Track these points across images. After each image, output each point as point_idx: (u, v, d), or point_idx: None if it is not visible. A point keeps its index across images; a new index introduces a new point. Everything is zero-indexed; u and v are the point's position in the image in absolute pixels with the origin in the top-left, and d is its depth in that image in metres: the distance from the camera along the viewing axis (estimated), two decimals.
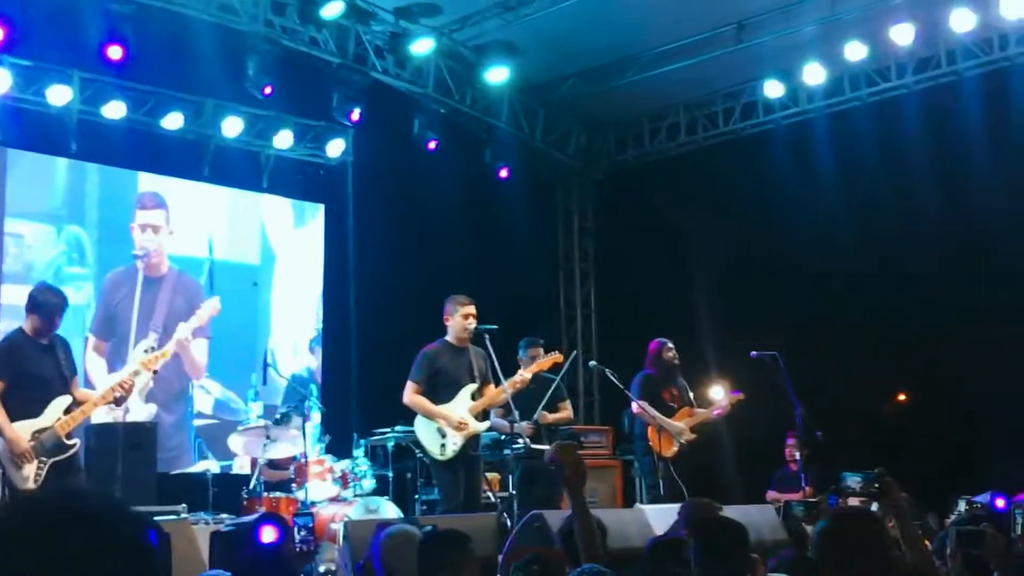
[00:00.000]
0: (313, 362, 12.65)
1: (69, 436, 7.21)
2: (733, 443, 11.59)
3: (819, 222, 12.32)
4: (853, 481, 5.39)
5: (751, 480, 11.46)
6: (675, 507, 7.12)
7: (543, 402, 9.19)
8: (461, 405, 8.31)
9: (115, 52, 10.09)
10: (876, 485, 4.97)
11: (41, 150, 11.06)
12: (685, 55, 12.27)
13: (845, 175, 12.16)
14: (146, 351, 7.69)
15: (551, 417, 9.49)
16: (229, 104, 11.63)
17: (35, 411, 7.11)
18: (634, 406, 9.62)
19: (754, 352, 9.68)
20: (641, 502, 9.41)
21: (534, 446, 9.02)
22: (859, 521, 3.87)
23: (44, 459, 7.04)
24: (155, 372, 7.74)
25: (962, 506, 8.00)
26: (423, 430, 8.29)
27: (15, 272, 10.62)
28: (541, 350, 9.35)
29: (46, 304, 7.29)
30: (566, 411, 9.60)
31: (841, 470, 5.85)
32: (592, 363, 10.59)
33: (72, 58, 10.55)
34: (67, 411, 7.21)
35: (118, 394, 7.38)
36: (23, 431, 7.01)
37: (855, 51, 11.73)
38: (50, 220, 11.05)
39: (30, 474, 6.97)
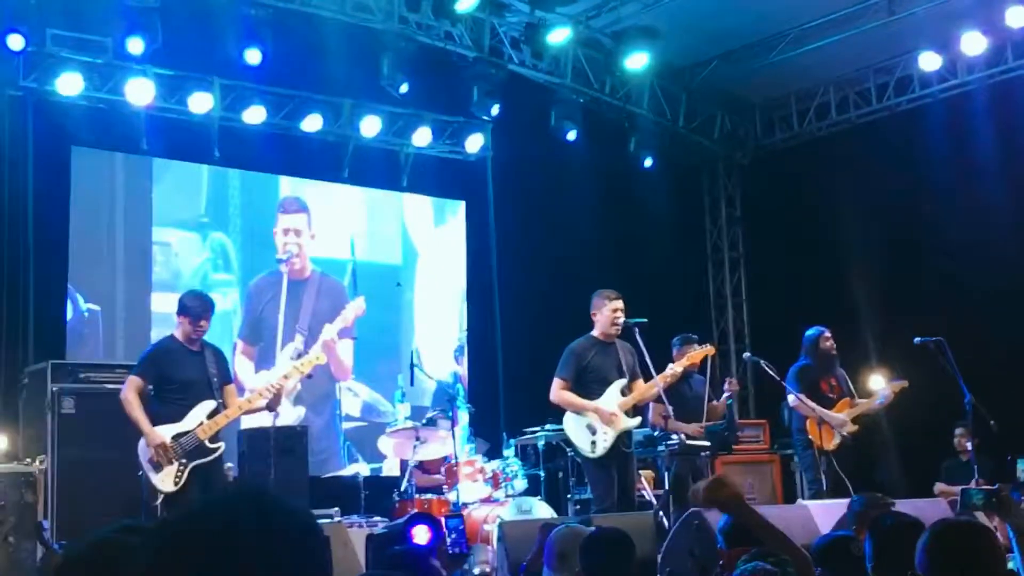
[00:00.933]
0: (460, 363, 12.78)
1: (213, 440, 7.41)
2: (896, 434, 11.33)
3: (981, 202, 11.92)
4: None
5: (916, 473, 11.18)
6: (841, 503, 7.00)
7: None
8: (611, 401, 8.29)
9: (254, 56, 10.37)
10: None
11: (185, 158, 11.41)
12: (834, 30, 12.01)
13: (1009, 151, 11.74)
14: (293, 357, 7.88)
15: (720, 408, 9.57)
16: (367, 103, 11.83)
17: (178, 415, 7.34)
18: (791, 398, 9.47)
19: (918, 338, 9.43)
20: (803, 498, 9.26)
21: (690, 442, 8.97)
22: (967, 536, 3.66)
23: (184, 461, 7.24)
24: (309, 376, 7.93)
25: None
26: (573, 427, 8.30)
27: (164, 280, 11.01)
28: (696, 347, 9.29)
29: (192, 308, 7.53)
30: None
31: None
32: (747, 354, 10.48)
33: (212, 65, 10.87)
34: (211, 416, 7.42)
35: (267, 398, 7.55)
36: (162, 433, 7.24)
37: (1018, 16, 11.32)
38: (195, 228, 11.41)
39: (170, 475, 7.18)
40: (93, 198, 10.85)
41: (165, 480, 7.17)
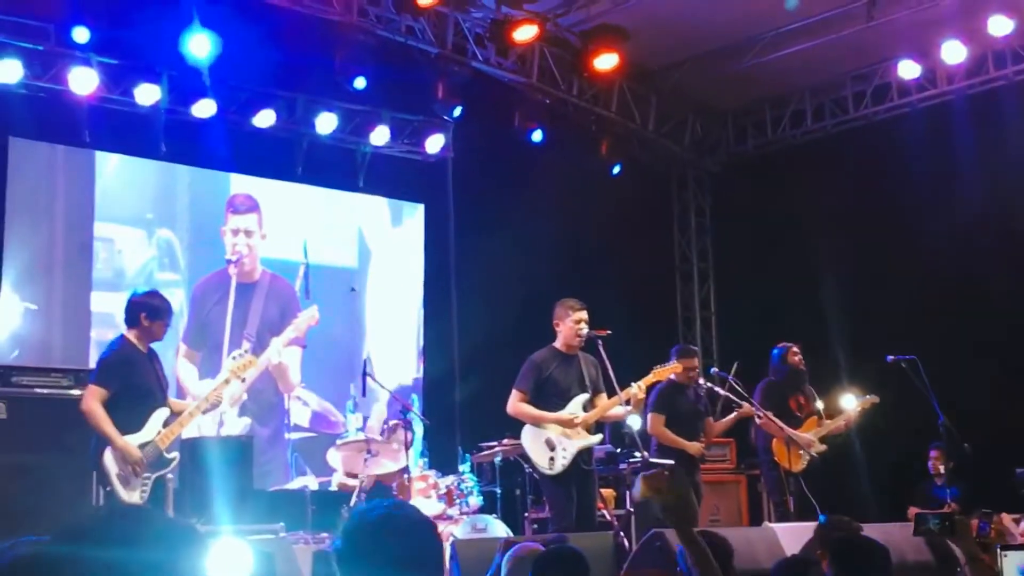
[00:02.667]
0: (416, 372, 12.77)
1: (168, 450, 7.40)
2: (868, 456, 11.41)
3: (960, 216, 12.04)
4: None
5: (890, 496, 11.28)
6: (807, 526, 7.05)
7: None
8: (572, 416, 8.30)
9: (203, 47, 10.30)
10: None
11: (130, 152, 11.34)
12: (811, 35, 12.10)
13: (990, 163, 11.87)
14: (234, 358, 7.84)
15: (718, 427, 9.67)
16: (323, 99, 11.82)
17: (138, 424, 7.29)
18: (757, 416, 9.54)
19: (891, 356, 9.52)
20: (769, 520, 9.33)
21: (653, 460, 9.01)
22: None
23: (148, 474, 7.23)
24: (243, 380, 7.89)
25: None
26: (531, 442, 8.30)
27: (105, 279, 10.93)
28: (695, 360, 9.38)
29: (160, 309, 7.51)
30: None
31: (990, 485, 5.71)
32: (713, 369, 10.53)
33: (160, 56, 10.80)
34: (165, 423, 7.40)
35: (208, 405, 7.57)
36: (132, 444, 7.20)
37: (999, 25, 11.47)
38: (141, 224, 11.33)
39: (137, 489, 7.15)
40: (31, 191, 10.75)
41: (133, 495, 7.14)
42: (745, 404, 9.72)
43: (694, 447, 9.37)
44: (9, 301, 10.39)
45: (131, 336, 7.50)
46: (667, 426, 9.26)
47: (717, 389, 9.67)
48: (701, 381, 9.53)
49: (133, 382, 7.34)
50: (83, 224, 10.98)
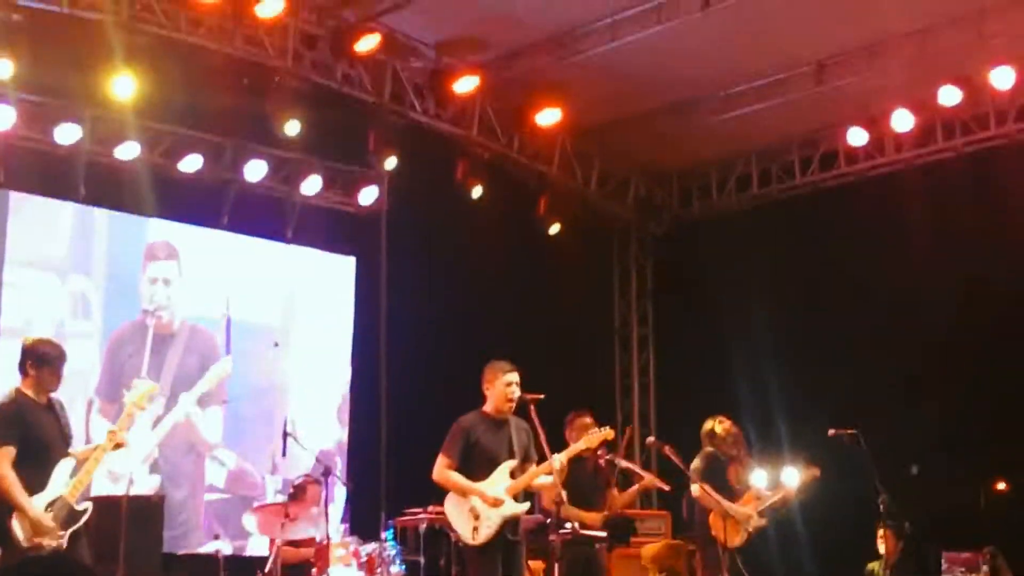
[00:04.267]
0: (341, 433, 12.63)
1: (79, 502, 7.20)
2: (810, 532, 11.40)
3: (910, 285, 12.16)
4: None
5: (834, 573, 11.25)
6: None
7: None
8: (499, 484, 8.20)
9: (127, 88, 10.21)
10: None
11: (47, 193, 11.16)
12: (758, 97, 12.23)
13: (939, 234, 11.99)
14: (128, 389, 7.62)
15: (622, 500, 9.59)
16: (252, 146, 11.73)
17: (42, 480, 7.05)
18: (694, 488, 9.49)
19: (832, 430, 9.52)
20: None
21: (583, 532, 8.90)
22: None
23: (62, 533, 7.02)
24: (143, 408, 7.68)
25: None
26: (454, 511, 8.17)
27: (13, 327, 10.67)
28: (589, 419, 9.27)
29: (53, 357, 7.30)
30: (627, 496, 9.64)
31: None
32: (650, 439, 10.48)
33: (82, 94, 10.68)
34: (72, 474, 7.20)
35: (111, 445, 7.35)
36: (40, 507, 6.98)
37: (949, 96, 11.65)
38: (53, 270, 11.14)
39: (49, 549, 6.94)
40: None
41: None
42: (647, 475, 9.73)
43: (593, 518, 9.29)
44: None
45: (24, 387, 7.31)
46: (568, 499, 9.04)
47: (618, 461, 9.66)
48: (601, 452, 9.43)
49: (31, 435, 7.12)
50: None
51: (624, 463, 9.78)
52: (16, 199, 10.97)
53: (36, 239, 11.09)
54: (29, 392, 7.25)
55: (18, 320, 10.79)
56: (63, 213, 11.28)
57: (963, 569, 9.79)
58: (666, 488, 9.78)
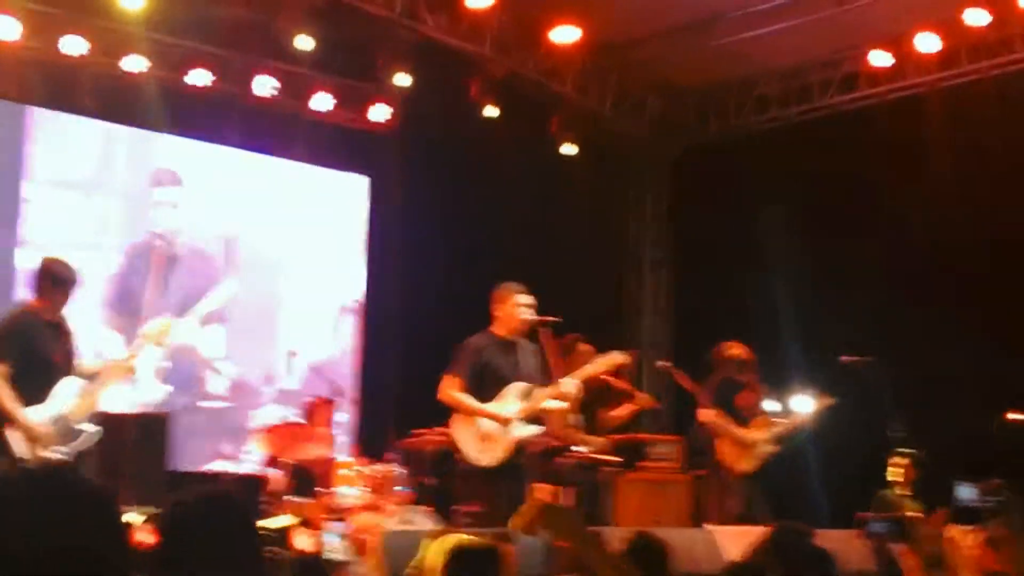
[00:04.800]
0: (334, 348, 12.69)
1: (81, 422, 7.25)
2: (822, 460, 11.43)
3: (929, 212, 12.07)
4: (968, 493, 5.19)
5: (845, 503, 11.30)
6: (749, 530, 7.03)
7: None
8: (508, 406, 8.21)
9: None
10: (997, 498, 4.83)
11: (54, 106, 11.13)
12: (779, 16, 12.07)
13: (961, 159, 11.88)
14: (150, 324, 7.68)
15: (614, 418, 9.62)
16: (261, 60, 11.65)
17: (38, 396, 7.11)
18: (702, 413, 9.51)
19: (846, 357, 9.52)
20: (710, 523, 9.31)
21: (593, 456, 8.95)
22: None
23: (65, 450, 7.07)
24: (160, 344, 7.74)
25: None
26: (462, 432, 8.19)
27: (35, 240, 10.80)
28: (586, 345, 9.28)
29: (68, 280, 7.34)
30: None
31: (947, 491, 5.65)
32: (660, 363, 10.50)
33: (89, 5, 10.61)
34: (81, 395, 7.25)
35: (122, 373, 7.40)
36: (38, 417, 7.04)
37: (976, 17, 11.50)
38: (74, 187, 11.24)
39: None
40: None
41: None
42: (640, 394, 9.76)
43: (597, 442, 9.34)
44: None
45: (34, 304, 7.36)
46: None
47: (679, 375, 9.68)
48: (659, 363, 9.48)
49: (35, 352, 7.17)
50: (9, 181, 10.86)
51: (617, 383, 9.74)
52: (31, 113, 10.96)
53: (56, 156, 11.11)
54: (38, 309, 7.31)
55: (40, 235, 10.87)
56: (77, 128, 11.25)
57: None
58: (657, 406, 9.77)
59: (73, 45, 10.64)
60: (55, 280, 7.33)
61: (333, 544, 6.68)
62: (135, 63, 10.96)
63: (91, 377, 7.37)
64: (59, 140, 11.21)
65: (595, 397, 9.60)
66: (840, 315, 12.03)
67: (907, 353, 10.89)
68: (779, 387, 10.39)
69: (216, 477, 9.85)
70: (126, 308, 11.31)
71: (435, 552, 4.49)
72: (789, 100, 13.61)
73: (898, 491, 10.39)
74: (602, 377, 9.56)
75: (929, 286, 11.94)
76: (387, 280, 12.79)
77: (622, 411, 9.95)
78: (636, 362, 9.82)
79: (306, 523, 7.35)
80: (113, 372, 7.45)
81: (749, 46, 12.55)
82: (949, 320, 11.75)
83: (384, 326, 12.66)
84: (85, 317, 10.22)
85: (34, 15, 10.46)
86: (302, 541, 7.85)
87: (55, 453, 7.01)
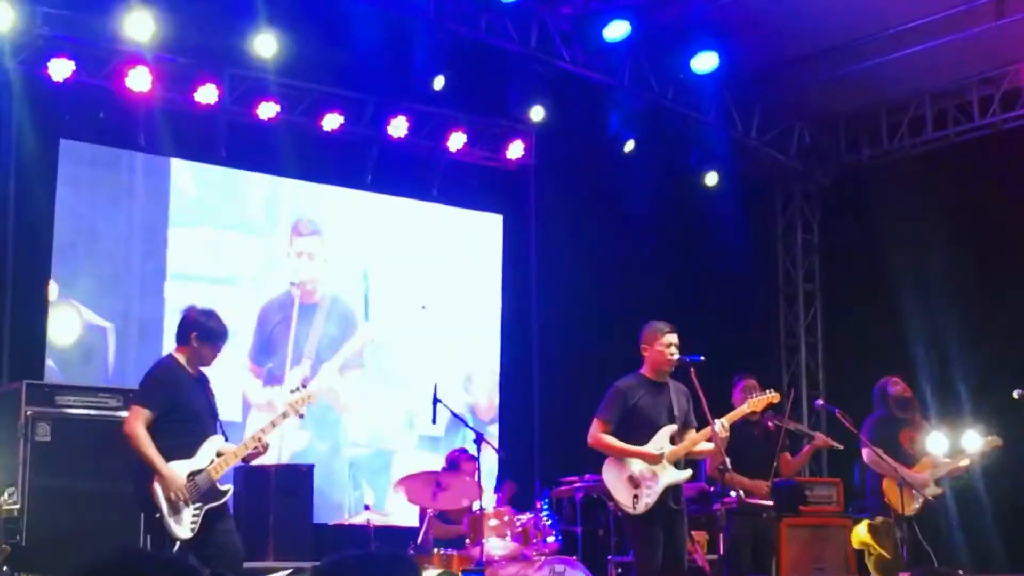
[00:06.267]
0: (490, 398, 12.82)
1: (222, 481, 7.39)
2: (992, 501, 11.21)
3: None
4: None
5: (1019, 545, 11.05)
6: None
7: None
8: (659, 450, 8.23)
9: (268, 44, 10.46)
10: None
11: (189, 156, 11.48)
12: (932, 34, 11.93)
13: None
14: (293, 391, 7.79)
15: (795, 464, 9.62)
16: (394, 102, 11.88)
17: (188, 451, 7.24)
18: (866, 454, 9.40)
19: (1019, 391, 9.35)
20: None
21: (749, 500, 8.89)
22: None
23: (200, 504, 7.21)
24: (301, 416, 7.86)
25: None
26: (613, 477, 8.22)
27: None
28: (754, 382, 9.26)
29: (218, 335, 7.46)
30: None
31: None
32: (818, 402, 10.41)
33: (221, 53, 10.94)
34: (219, 453, 7.40)
35: (254, 448, 7.51)
36: (178, 471, 7.20)
37: None
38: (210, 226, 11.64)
39: (187, 520, 7.14)
40: (104, 198, 11.07)
41: (183, 525, 7.11)
42: (818, 435, 9.73)
43: (759, 487, 9.29)
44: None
45: (179, 356, 7.50)
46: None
47: (786, 424, 9.63)
48: (768, 415, 9.41)
49: (180, 402, 7.32)
50: (157, 229, 11.29)
51: (792, 425, 9.74)
52: (176, 165, 11.42)
53: (194, 202, 11.54)
54: (183, 361, 7.47)
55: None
56: (214, 177, 11.68)
57: None
58: (839, 447, 9.73)
59: (206, 94, 10.95)
60: (207, 335, 7.42)
61: None
62: (268, 109, 11.24)
63: (223, 452, 7.48)
64: (199, 190, 11.55)
65: (772, 442, 9.57)
66: (1008, 347, 11.80)
67: None
68: (944, 425, 10.22)
69: (363, 530, 9.95)
70: (266, 358, 11.61)
71: None
72: (946, 120, 13.40)
73: None
74: (780, 423, 9.55)
75: None
76: (524, 322, 12.89)
77: (803, 455, 9.92)
78: (794, 401, 9.76)
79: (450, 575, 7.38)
80: (250, 443, 7.54)
81: (901, 67, 12.44)
82: None
83: (524, 369, 12.74)
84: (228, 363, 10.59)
85: (167, 65, 10.79)
86: None
87: (193, 509, 7.16)
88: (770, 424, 9.54)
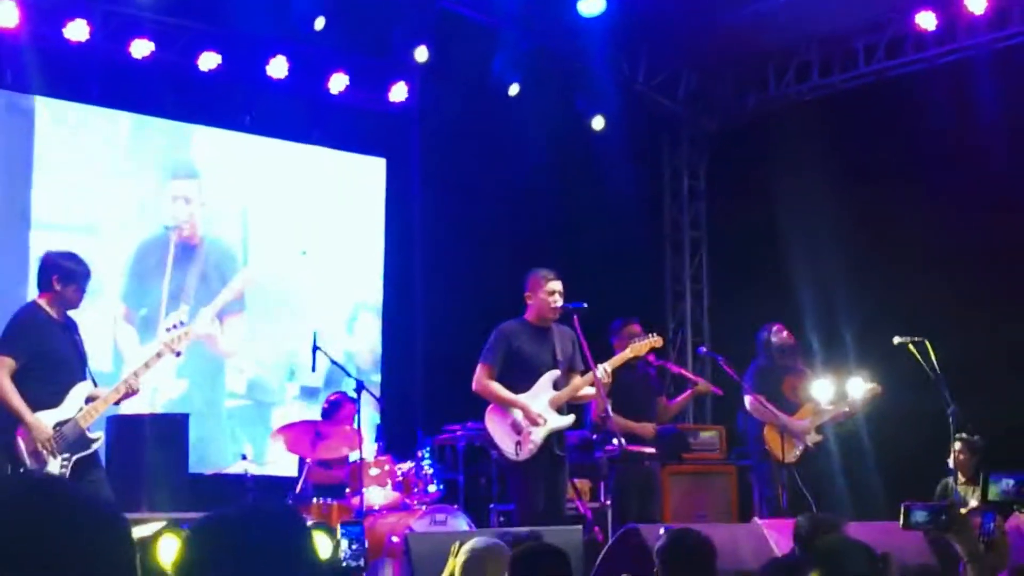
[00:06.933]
0: (371, 343, 12.77)
1: (91, 429, 7.31)
2: (875, 447, 11.43)
3: (982, 183, 12.03)
4: (1007, 485, 5.13)
5: (900, 492, 11.28)
6: None
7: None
8: (541, 395, 8.28)
9: None
10: None
11: (61, 95, 11.23)
12: None
13: (1015, 126, 11.85)
14: (169, 329, 7.72)
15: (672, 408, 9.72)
16: (274, 42, 11.72)
17: (54, 400, 7.18)
18: (748, 401, 9.55)
19: (898, 338, 9.53)
20: (759, 516, 9.36)
21: (631, 448, 8.99)
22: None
23: (68, 455, 7.13)
24: (178, 354, 7.79)
25: None
26: (495, 425, 8.27)
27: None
28: (637, 327, 9.34)
29: (80, 275, 7.38)
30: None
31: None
32: (701, 348, 10.54)
33: None
34: (88, 400, 7.31)
35: (131, 388, 7.43)
36: (44, 421, 7.10)
37: None
38: (83, 175, 11.35)
39: (55, 471, 7.06)
40: None
41: None
42: (700, 380, 9.85)
43: (646, 429, 9.40)
44: None
45: (42, 301, 7.39)
46: (615, 408, 9.03)
47: (668, 366, 9.76)
48: (651, 358, 9.48)
49: (45, 350, 7.22)
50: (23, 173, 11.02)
51: (676, 369, 9.86)
52: (40, 104, 11.10)
53: (64, 145, 11.24)
54: (46, 307, 7.35)
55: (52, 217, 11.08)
56: (85, 117, 11.39)
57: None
58: (719, 392, 9.89)
59: (77, 31, 10.70)
60: (67, 276, 7.34)
61: (352, 548, 6.72)
62: (142, 48, 11.02)
63: (94, 396, 7.38)
64: (67, 129, 11.28)
65: (654, 385, 9.67)
66: (892, 294, 12.01)
67: (964, 332, 10.87)
68: (827, 371, 10.40)
69: (240, 480, 9.90)
70: (141, 302, 11.44)
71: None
72: (832, 67, 13.54)
73: (951, 482, 10.42)
74: (663, 366, 9.66)
75: (986, 261, 11.91)
76: (407, 267, 12.85)
77: (683, 399, 10.04)
78: (679, 347, 9.89)
79: (325, 526, 7.37)
80: (122, 386, 7.46)
81: (789, 12, 12.50)
82: (1011, 297, 11.72)
83: (406, 316, 12.72)
84: (99, 312, 10.41)
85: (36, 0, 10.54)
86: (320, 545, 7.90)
87: (61, 460, 7.08)
88: (652, 359, 9.61)
